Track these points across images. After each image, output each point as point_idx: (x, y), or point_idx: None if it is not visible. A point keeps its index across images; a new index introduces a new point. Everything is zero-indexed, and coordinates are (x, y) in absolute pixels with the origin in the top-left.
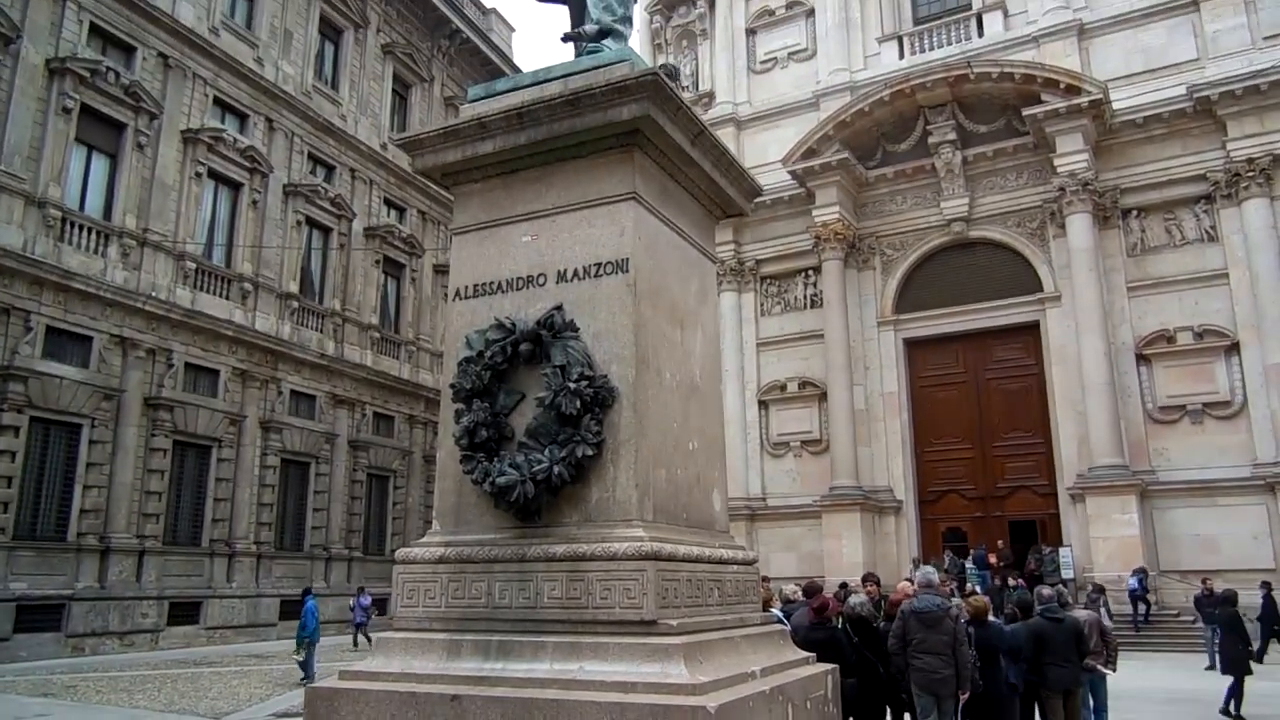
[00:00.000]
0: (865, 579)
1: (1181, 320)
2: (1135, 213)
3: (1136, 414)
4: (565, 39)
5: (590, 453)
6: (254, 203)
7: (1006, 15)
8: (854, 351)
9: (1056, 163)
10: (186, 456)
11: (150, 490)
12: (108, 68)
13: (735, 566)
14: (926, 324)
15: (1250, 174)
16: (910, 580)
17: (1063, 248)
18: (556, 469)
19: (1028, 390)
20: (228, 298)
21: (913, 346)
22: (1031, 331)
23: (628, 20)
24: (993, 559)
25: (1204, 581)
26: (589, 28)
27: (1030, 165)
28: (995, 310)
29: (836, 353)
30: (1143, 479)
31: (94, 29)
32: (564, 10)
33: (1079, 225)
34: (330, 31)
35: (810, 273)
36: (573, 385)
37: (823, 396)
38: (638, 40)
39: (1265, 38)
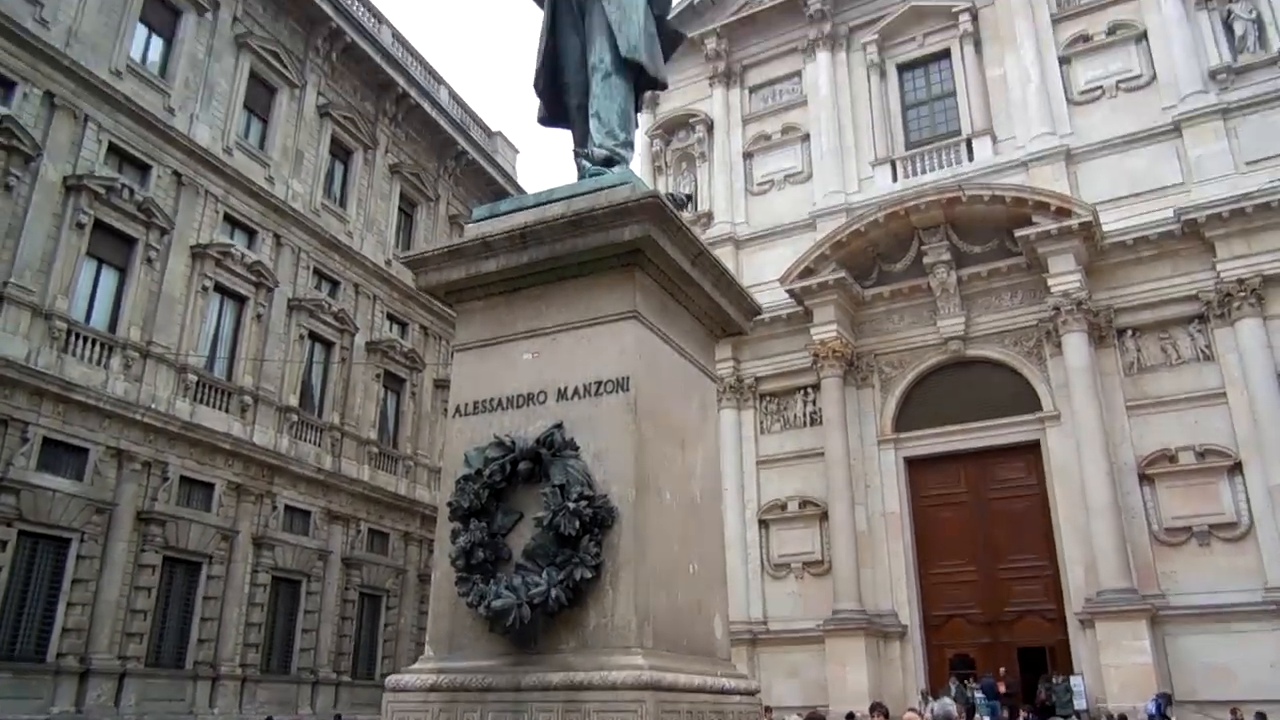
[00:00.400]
0: (873, 709)
1: (1182, 439)
2: (1131, 332)
3: (1142, 535)
4: (575, 156)
5: (589, 575)
6: (258, 316)
7: (995, 141)
8: (855, 470)
9: (1050, 283)
10: (175, 573)
11: (136, 608)
12: (123, 185)
13: (738, 697)
14: (927, 442)
15: (1242, 294)
16: (916, 711)
17: (1060, 367)
18: (554, 592)
19: (1031, 510)
20: (227, 410)
21: (914, 465)
22: (1033, 450)
23: (629, 145)
24: (1002, 687)
25: (1233, 712)
26: (595, 151)
27: (1024, 285)
28: (995, 429)
29: (837, 471)
30: (1153, 604)
31: (112, 148)
32: (568, 133)
33: (1075, 345)
34: (340, 152)
35: (809, 390)
36: (572, 505)
37: (824, 516)
38: (639, 163)
39: (1247, 162)
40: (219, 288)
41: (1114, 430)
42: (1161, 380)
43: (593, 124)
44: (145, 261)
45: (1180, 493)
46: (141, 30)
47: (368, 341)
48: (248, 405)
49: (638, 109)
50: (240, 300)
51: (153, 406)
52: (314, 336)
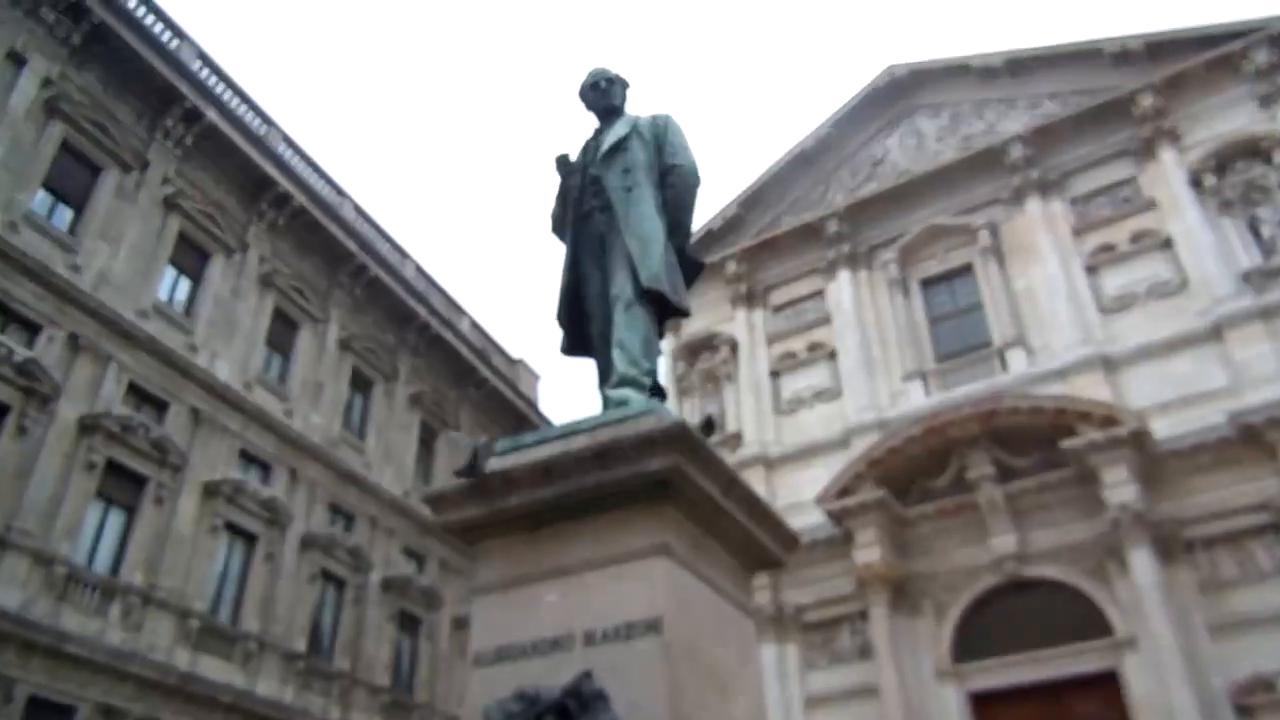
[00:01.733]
0: None
1: (1277, 664)
2: (1201, 545)
3: None
4: (600, 386)
5: None
6: (269, 555)
7: (1029, 351)
8: (912, 706)
9: (1105, 495)
10: None
11: None
12: (139, 423)
13: None
14: (990, 676)
15: None
16: None
17: (1129, 586)
18: None
19: None
20: (229, 659)
21: (980, 702)
22: (1110, 682)
23: (653, 373)
24: None
25: None
26: (618, 381)
27: (1077, 498)
28: (1065, 658)
29: (893, 710)
30: None
31: (131, 387)
32: (592, 361)
33: (1142, 562)
34: (360, 383)
35: (857, 619)
36: None
37: None
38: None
39: None
40: (229, 526)
41: (1198, 655)
42: (1243, 598)
43: (615, 353)
44: (155, 501)
45: None
46: (170, 272)
47: (383, 579)
48: (252, 653)
49: (660, 335)
50: (251, 539)
51: (150, 657)
52: (326, 575)
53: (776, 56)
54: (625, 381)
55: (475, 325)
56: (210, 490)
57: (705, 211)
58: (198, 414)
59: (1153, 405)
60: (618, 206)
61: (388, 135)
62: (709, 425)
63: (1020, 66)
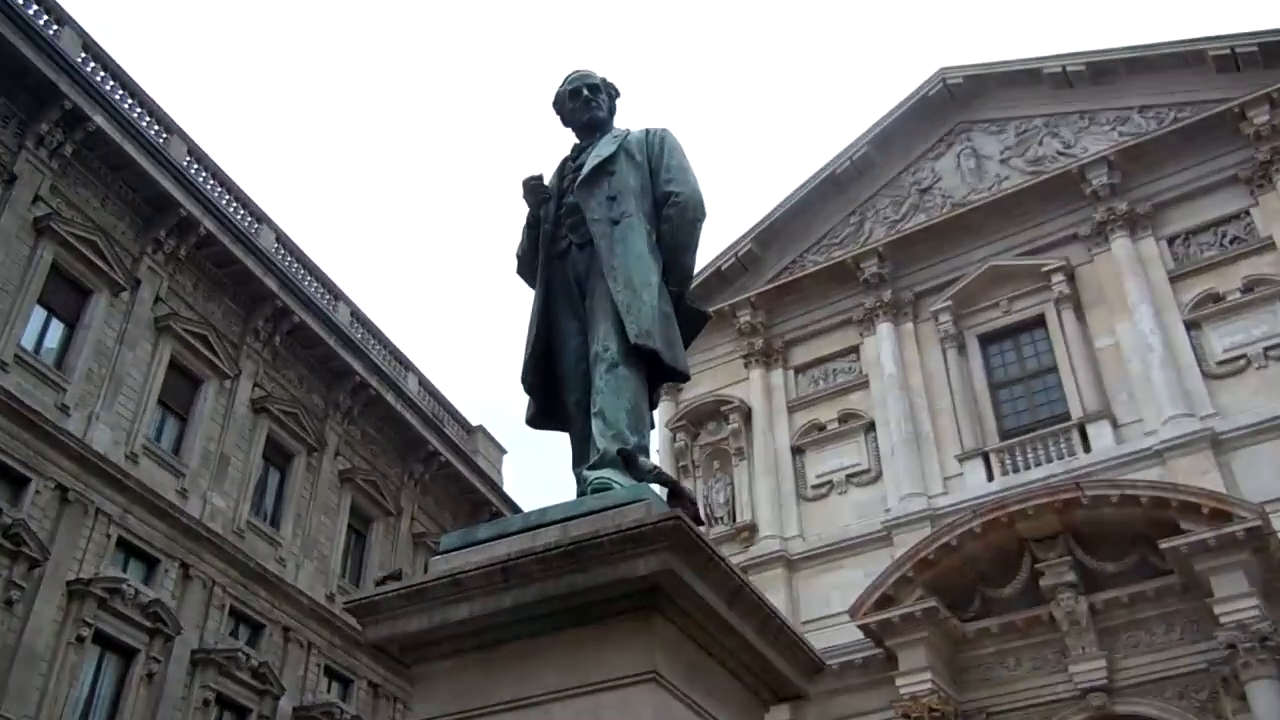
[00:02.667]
0: None
1: None
2: None
3: None
4: (574, 465)
5: None
6: (149, 675)
7: (1116, 426)
8: None
9: (1216, 610)
10: None
11: None
12: None
13: None
14: None
15: None
16: None
17: None
18: None
19: None
20: None
21: None
22: None
23: (643, 450)
24: None
25: None
26: (597, 471)
27: (1182, 613)
28: None
29: None
30: None
31: None
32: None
33: (1264, 698)
34: (277, 456)
35: None
36: None
37: None
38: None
39: None
40: (101, 637)
41: None
42: None
43: (595, 425)
44: (4, 605)
45: None
46: (39, 314)
47: (296, 707)
48: None
49: (653, 404)
50: (128, 653)
51: None
52: (223, 701)
53: (799, 59)
54: (607, 461)
55: (425, 385)
56: (77, 591)
57: (711, 248)
58: (65, 492)
59: (1274, 497)
60: (601, 242)
61: (321, 155)
62: (683, 503)
63: (1104, 72)
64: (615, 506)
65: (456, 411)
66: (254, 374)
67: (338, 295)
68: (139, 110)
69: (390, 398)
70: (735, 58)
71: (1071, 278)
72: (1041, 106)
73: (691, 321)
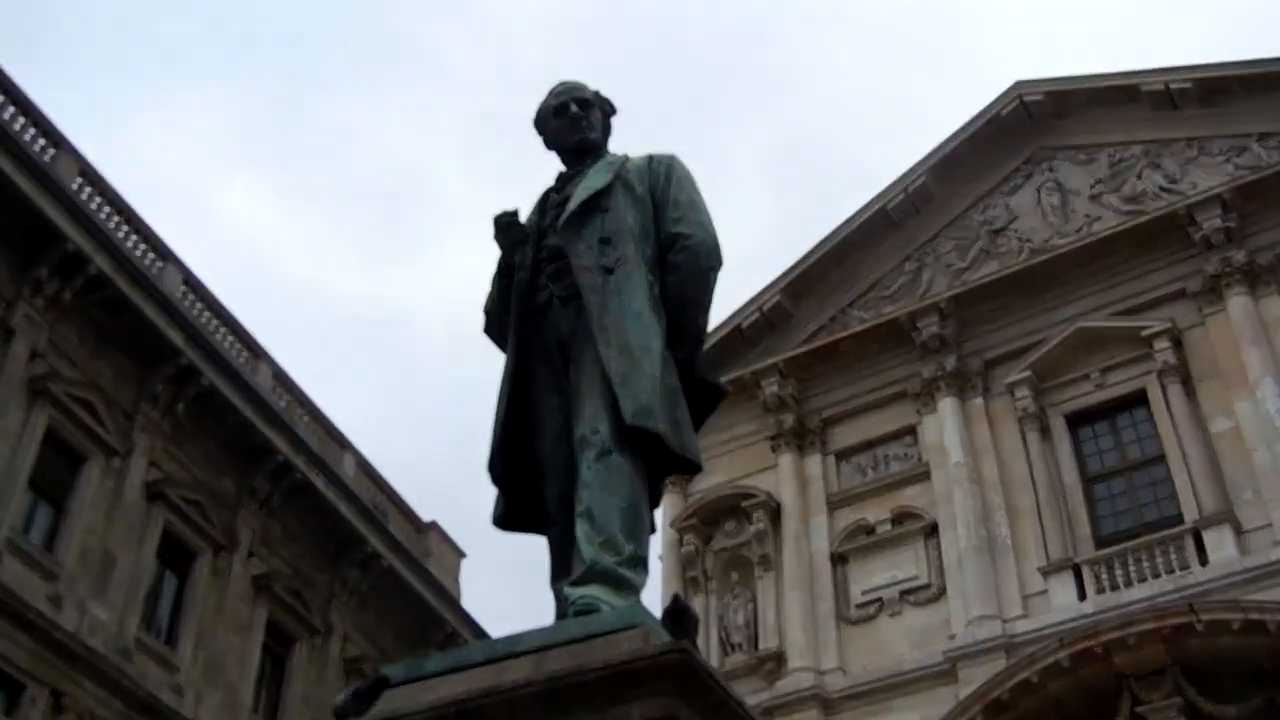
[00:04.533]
0: None
1: None
2: None
3: None
4: (553, 580)
5: None
6: None
7: (1239, 533)
8: None
9: None
10: None
11: None
12: None
13: None
14: None
15: None
16: None
17: None
18: None
19: None
20: None
21: None
22: None
23: (640, 562)
24: None
25: None
26: (582, 588)
27: None
28: None
29: None
30: None
31: None
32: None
33: None
34: (176, 556)
35: None
36: None
37: None
38: (659, 575)
39: None
40: None
41: None
42: None
43: (581, 529)
44: None
45: None
46: None
47: None
48: None
49: (655, 502)
50: None
51: None
52: None
53: (839, 69)
54: (595, 575)
55: (365, 469)
56: None
57: (730, 302)
58: None
59: None
60: (590, 296)
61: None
62: (681, 618)
63: (1216, 92)
64: (604, 634)
65: (405, 504)
66: (149, 450)
67: (258, 353)
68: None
69: (320, 484)
70: (758, 64)
71: (1179, 344)
72: (1140, 131)
73: (704, 397)
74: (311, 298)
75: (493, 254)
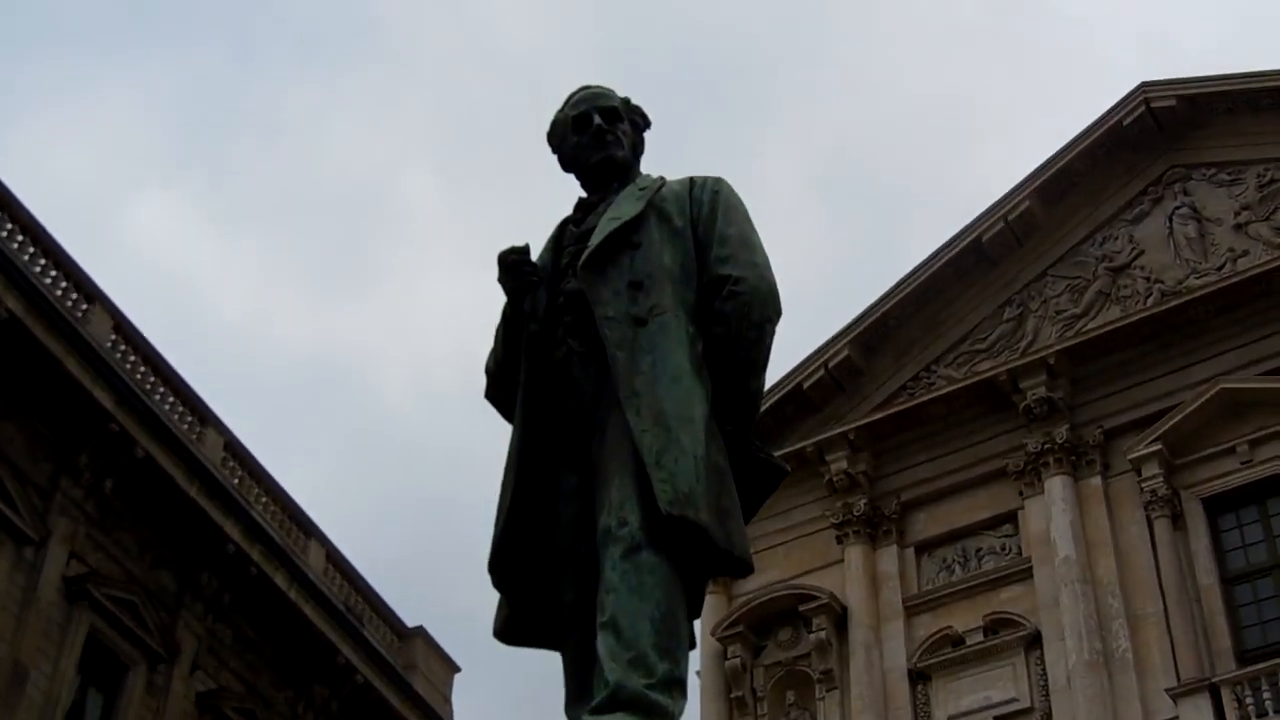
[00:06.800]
0: None
1: None
2: None
3: None
4: (568, 707)
5: None
6: None
7: None
8: None
9: None
10: None
11: None
12: None
13: None
14: None
15: None
16: None
17: None
18: None
19: None
20: None
21: None
22: None
23: (676, 684)
24: None
25: None
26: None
27: None
28: None
29: None
30: None
31: None
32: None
33: None
34: (101, 670)
35: None
36: None
37: None
38: (696, 696)
39: None
40: None
41: None
42: None
43: (604, 643)
44: None
45: None
46: None
47: None
48: None
49: (695, 610)
50: None
51: None
52: None
53: (920, 69)
54: (622, 700)
55: (335, 561)
56: None
57: (787, 357)
58: None
59: None
60: (618, 354)
61: (185, 206)
62: None
63: None
64: None
65: (385, 605)
66: (70, 538)
67: (205, 418)
68: None
69: (280, 580)
70: (800, 55)
71: None
72: None
73: (759, 479)
74: (248, 344)
75: (491, 296)
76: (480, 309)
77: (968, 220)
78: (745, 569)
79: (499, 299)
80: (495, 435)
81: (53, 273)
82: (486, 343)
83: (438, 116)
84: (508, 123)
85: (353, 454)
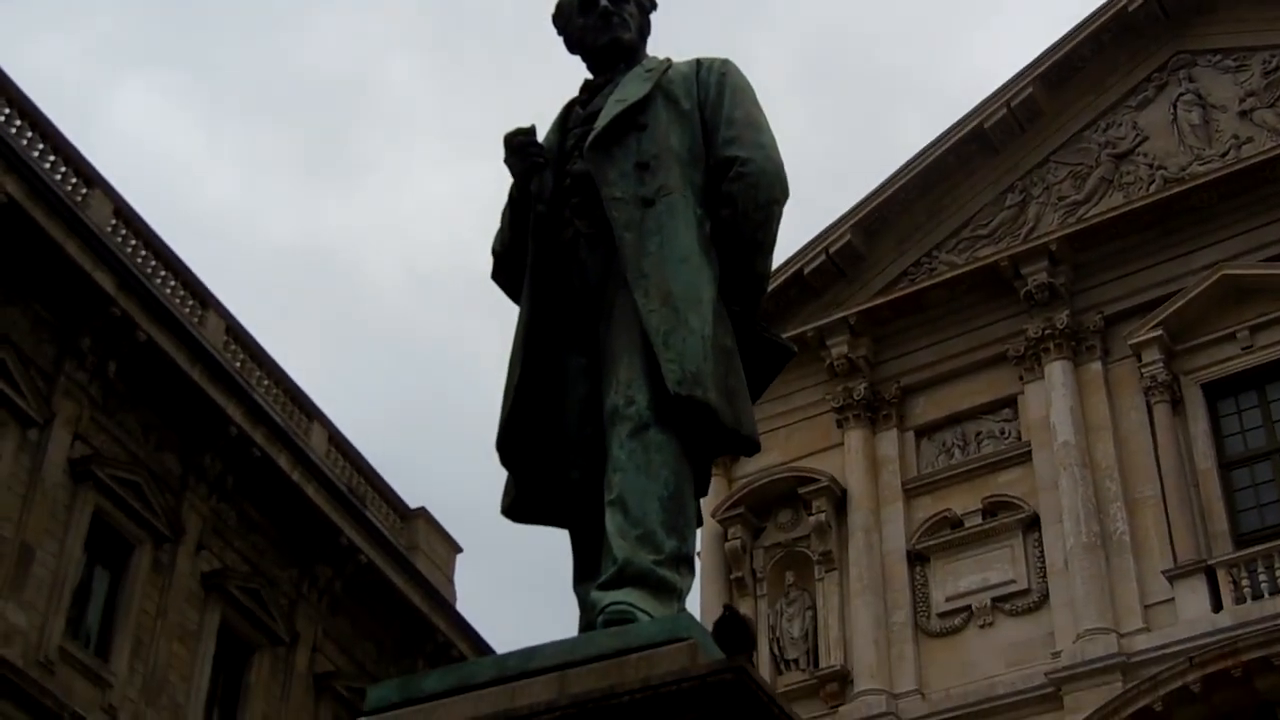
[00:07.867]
0: None
1: None
2: None
3: None
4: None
5: None
6: None
7: None
8: None
9: None
10: None
11: None
12: None
13: None
14: None
15: None
16: None
17: None
18: None
19: None
20: None
21: None
22: None
23: (683, 561)
24: None
25: None
26: (613, 592)
27: None
28: None
29: None
30: None
31: None
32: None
33: None
34: (108, 548)
35: None
36: None
37: None
38: (697, 577)
39: None
40: None
41: None
42: None
43: (612, 521)
44: None
45: None
46: None
47: None
48: None
49: (702, 488)
50: None
51: None
52: None
53: None
54: (629, 576)
55: (338, 443)
56: None
57: (790, 242)
58: None
59: None
60: (625, 235)
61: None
62: (736, 630)
63: None
64: (641, 649)
65: (387, 486)
66: (74, 421)
67: (206, 301)
68: None
69: (284, 461)
70: None
71: None
72: None
73: (765, 359)
74: (235, 233)
75: (477, 184)
76: (467, 197)
77: (967, 109)
78: (753, 447)
79: (485, 186)
80: (487, 323)
81: (51, 157)
82: (474, 229)
83: (423, 2)
84: (495, 4)
85: (342, 341)
